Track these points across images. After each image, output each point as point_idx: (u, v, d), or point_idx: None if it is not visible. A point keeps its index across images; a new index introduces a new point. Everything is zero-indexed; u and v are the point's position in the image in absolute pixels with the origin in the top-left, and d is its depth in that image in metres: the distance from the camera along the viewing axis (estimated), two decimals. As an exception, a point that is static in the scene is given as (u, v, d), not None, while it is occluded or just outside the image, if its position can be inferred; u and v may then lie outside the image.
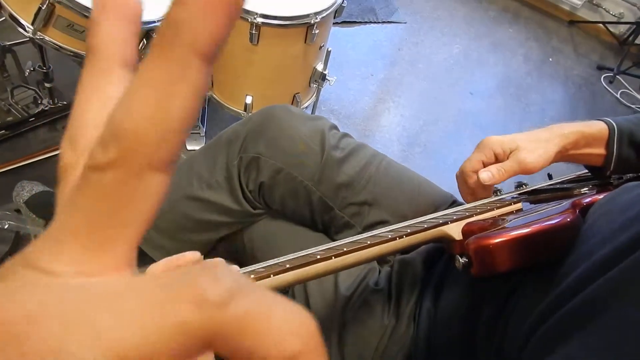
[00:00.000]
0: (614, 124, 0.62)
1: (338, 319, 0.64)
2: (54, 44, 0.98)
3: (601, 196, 0.52)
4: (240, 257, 0.77)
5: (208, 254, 0.83)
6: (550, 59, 2.65)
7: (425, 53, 2.34)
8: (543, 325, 0.39)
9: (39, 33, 0.96)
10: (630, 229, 0.37)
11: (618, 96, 2.53)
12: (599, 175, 0.66)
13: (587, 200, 0.52)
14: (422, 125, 1.96)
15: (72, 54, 1.01)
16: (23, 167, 1.18)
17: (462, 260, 0.45)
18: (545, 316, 0.40)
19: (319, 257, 0.44)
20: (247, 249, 0.76)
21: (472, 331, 0.53)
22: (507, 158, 0.61)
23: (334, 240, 0.74)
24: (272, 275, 0.42)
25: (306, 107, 1.42)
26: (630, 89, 2.59)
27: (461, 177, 0.63)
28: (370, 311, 0.63)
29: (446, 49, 2.42)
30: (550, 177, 0.74)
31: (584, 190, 0.60)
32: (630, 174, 0.66)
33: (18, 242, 1.12)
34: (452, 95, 2.17)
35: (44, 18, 0.92)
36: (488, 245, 0.43)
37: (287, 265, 0.42)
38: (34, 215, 0.90)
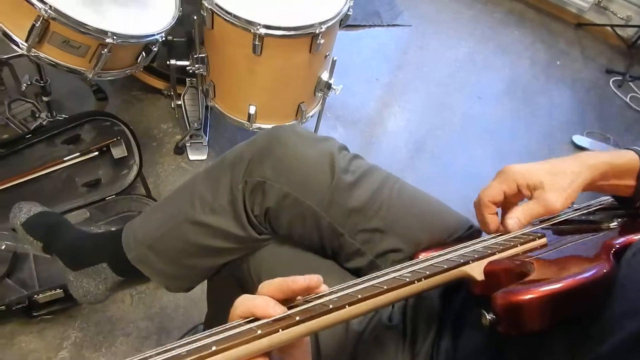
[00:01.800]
0: None
1: (348, 356, 0.60)
2: (49, 60, 0.95)
3: (637, 237, 0.49)
4: (244, 284, 0.74)
5: (211, 278, 0.80)
6: (558, 62, 2.61)
7: (430, 56, 2.30)
8: None
9: (33, 50, 0.93)
10: None
11: (627, 100, 2.49)
12: (627, 206, 0.62)
13: (620, 241, 0.48)
14: (429, 130, 1.93)
15: (68, 70, 0.97)
16: (20, 184, 1.14)
17: (489, 317, 0.41)
18: None
19: (331, 306, 0.40)
20: (252, 275, 0.72)
21: None
22: (530, 192, 0.57)
23: (344, 267, 0.71)
24: (280, 330, 0.38)
25: (311, 116, 1.38)
26: (640, 93, 2.54)
27: (479, 206, 0.60)
28: (383, 349, 0.60)
29: (452, 52, 2.38)
30: (572, 203, 0.70)
31: (613, 224, 0.56)
32: None
33: (15, 262, 1.09)
34: (459, 99, 2.13)
35: (38, 34, 0.89)
36: (518, 302, 0.39)
37: (297, 318, 0.39)
38: (32, 238, 0.87)
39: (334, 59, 1.29)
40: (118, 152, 1.24)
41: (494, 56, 2.47)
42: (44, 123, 1.25)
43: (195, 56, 1.28)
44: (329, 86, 1.30)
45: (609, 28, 2.81)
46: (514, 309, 0.39)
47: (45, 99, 1.25)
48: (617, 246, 0.48)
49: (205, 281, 0.82)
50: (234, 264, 0.74)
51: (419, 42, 2.36)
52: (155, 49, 1.09)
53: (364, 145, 1.79)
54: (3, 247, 1.04)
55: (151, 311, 1.17)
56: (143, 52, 1.10)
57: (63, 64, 0.96)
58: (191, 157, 1.53)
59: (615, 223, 0.57)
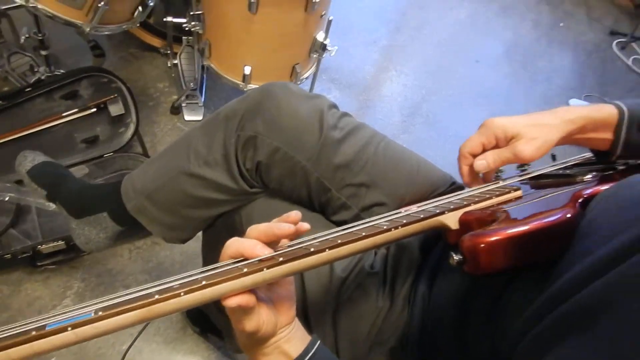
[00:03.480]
0: (625, 108, 0.60)
1: (333, 300, 0.64)
2: (47, 12, 0.96)
3: (604, 187, 0.51)
4: (237, 235, 0.77)
5: (206, 230, 0.83)
6: (561, 24, 2.57)
7: (430, 18, 2.27)
8: (537, 325, 0.39)
9: (31, 1, 0.93)
10: (630, 230, 0.36)
11: (630, 63, 2.46)
12: (604, 159, 0.64)
13: (589, 191, 0.50)
14: (425, 94, 1.93)
15: (65, 22, 0.98)
16: (21, 138, 1.17)
17: (456, 257, 0.44)
18: (539, 316, 0.39)
19: (312, 249, 0.43)
20: (244, 227, 0.75)
21: (465, 320, 0.53)
22: (508, 144, 0.60)
23: (331, 221, 0.74)
24: (265, 269, 0.41)
25: (306, 78, 1.39)
26: (643, 55, 2.51)
27: (458, 157, 0.62)
28: (365, 294, 0.64)
29: (453, 13, 2.35)
30: (554, 158, 0.72)
31: (587, 177, 0.59)
32: (636, 161, 0.64)
33: (19, 214, 1.13)
34: (457, 63, 2.12)
35: (36, -15, 0.89)
36: (483, 243, 0.42)
37: (281, 259, 0.42)
38: (36, 186, 0.90)
39: (330, 18, 1.29)
40: (115, 109, 1.26)
41: (496, 18, 2.43)
42: (43, 77, 1.26)
43: (191, 13, 1.28)
44: (324, 47, 1.30)
45: (616, -12, 2.74)
46: (478, 249, 0.42)
47: (43, 52, 1.25)
48: (585, 196, 0.50)
49: (201, 235, 0.85)
50: (227, 216, 0.77)
51: (419, 2, 2.32)
52: (151, 3, 1.09)
53: (359, 109, 1.80)
54: (7, 198, 1.08)
55: (148, 265, 1.22)
56: (140, 7, 1.09)
57: (60, 16, 0.96)
58: (187, 118, 1.54)
59: (589, 176, 0.59)
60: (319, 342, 0.49)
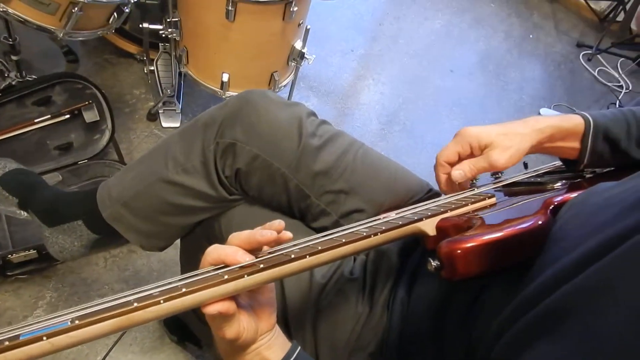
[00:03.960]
0: (590, 119, 0.63)
1: (313, 306, 0.65)
2: (18, 16, 0.94)
3: (573, 195, 0.53)
4: (216, 242, 0.77)
5: (184, 237, 0.83)
6: (531, 36, 2.66)
7: (406, 28, 2.32)
8: (511, 328, 0.40)
9: (2, 5, 0.91)
10: (597, 236, 0.38)
11: (596, 74, 2.56)
12: (573, 168, 0.67)
13: (559, 199, 0.53)
14: (402, 103, 1.96)
15: (38, 28, 0.96)
16: (-10, 145, 1.14)
17: (433, 263, 0.45)
18: (512, 319, 0.40)
19: (293, 256, 0.43)
20: (223, 234, 0.75)
21: (441, 326, 0.54)
22: (482, 153, 0.62)
23: (310, 227, 0.75)
24: (245, 276, 0.41)
25: (284, 86, 1.40)
26: (608, 67, 2.62)
27: (435, 166, 0.64)
28: (344, 299, 0.64)
29: (428, 24, 2.40)
30: (525, 166, 0.75)
31: (557, 185, 0.61)
32: (603, 169, 0.68)
33: (-12, 222, 1.10)
34: (432, 72, 2.16)
35: (6, -10, 0.88)
36: (459, 249, 0.43)
37: (261, 266, 0.42)
38: (7, 194, 0.87)
39: (308, 27, 1.30)
40: (90, 116, 1.24)
41: (469, 29, 2.50)
42: (14, 83, 1.23)
43: (168, 20, 1.27)
44: (302, 55, 1.31)
45: (582, 1, 2.86)
46: (454, 255, 0.44)
47: (14, 58, 1.22)
48: (556, 203, 0.53)
49: (179, 245, 0.84)
50: (207, 224, 0.76)
51: (395, 12, 2.37)
52: (127, 9, 1.08)
53: (337, 116, 1.81)
54: (-25, 207, 1.04)
55: (125, 274, 1.20)
56: (115, 13, 1.08)
57: (32, 22, 0.94)
58: (164, 124, 1.53)
59: (560, 184, 0.62)
60: (299, 348, 0.49)
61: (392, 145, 1.77)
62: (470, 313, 0.51)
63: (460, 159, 0.63)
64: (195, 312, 0.91)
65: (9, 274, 1.08)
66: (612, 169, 0.69)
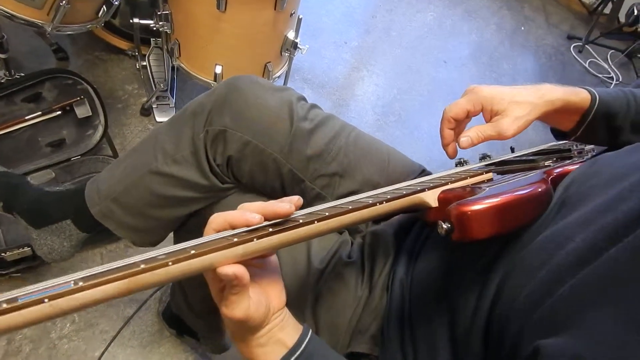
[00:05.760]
0: (597, 95, 0.62)
1: (311, 292, 0.64)
2: (4, 12, 0.92)
3: (573, 167, 0.54)
4: (210, 233, 0.76)
5: (177, 230, 0.81)
6: (522, 28, 2.66)
7: (399, 20, 2.31)
8: (539, 309, 0.40)
9: (-13, 0, 0.90)
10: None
11: (587, 65, 2.57)
12: (561, 138, 0.67)
13: (558, 171, 0.54)
14: (396, 94, 1.96)
15: (25, 22, 0.95)
16: (-20, 143, 1.12)
17: (445, 225, 0.45)
18: (539, 301, 0.41)
19: (301, 221, 0.42)
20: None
21: (447, 301, 0.54)
22: (491, 118, 0.60)
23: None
24: (255, 239, 0.40)
25: (278, 77, 1.39)
26: (598, 58, 2.63)
27: (441, 119, 0.63)
28: (343, 283, 0.64)
29: (420, 16, 2.40)
30: (512, 150, 0.75)
31: (548, 162, 0.62)
32: (589, 146, 0.68)
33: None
34: (426, 63, 2.16)
35: (-9, -17, 0.86)
36: (471, 211, 0.44)
37: (270, 230, 0.41)
38: (-9, 197, 0.86)
39: (300, 17, 1.29)
40: (82, 111, 1.22)
41: (461, 21, 2.50)
42: (2, 81, 1.22)
43: (159, 13, 1.26)
44: (295, 45, 1.31)
45: (572, -6, 2.87)
46: (466, 216, 0.44)
47: (2, 56, 1.21)
48: (555, 173, 0.54)
49: (172, 238, 0.83)
50: (199, 215, 0.75)
51: (387, 5, 2.36)
52: (116, 2, 1.07)
53: (332, 108, 1.81)
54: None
55: (122, 269, 1.19)
56: (104, 6, 1.07)
57: (20, 16, 0.93)
58: (158, 119, 1.51)
59: (550, 162, 0.62)
60: (311, 330, 0.48)
61: (388, 135, 1.76)
62: (481, 295, 0.50)
63: (468, 117, 0.62)
64: (193, 308, 0.90)
65: (3, 272, 1.07)
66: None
